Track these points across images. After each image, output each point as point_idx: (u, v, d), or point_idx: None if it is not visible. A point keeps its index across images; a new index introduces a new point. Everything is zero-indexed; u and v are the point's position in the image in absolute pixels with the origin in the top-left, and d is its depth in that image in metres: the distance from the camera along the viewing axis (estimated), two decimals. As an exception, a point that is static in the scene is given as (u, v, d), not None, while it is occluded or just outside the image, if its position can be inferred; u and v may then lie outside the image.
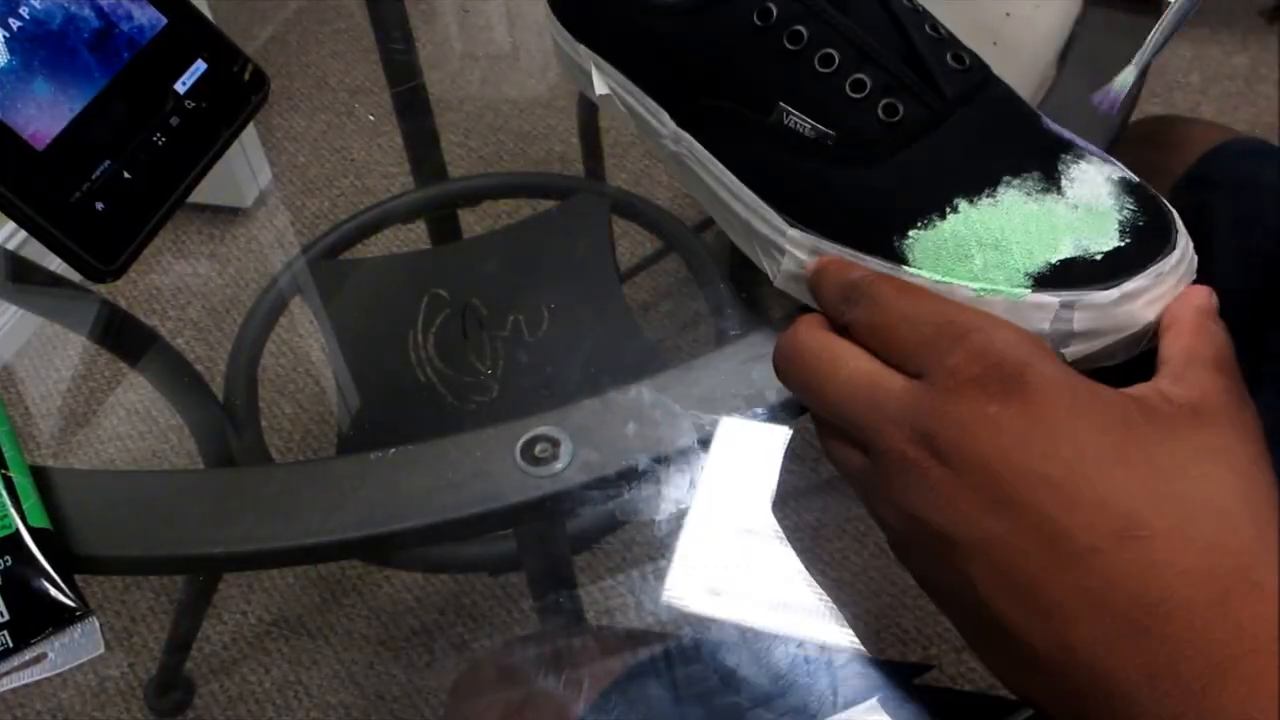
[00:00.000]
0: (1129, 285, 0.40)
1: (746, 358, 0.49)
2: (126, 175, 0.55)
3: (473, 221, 1.15)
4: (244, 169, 1.41)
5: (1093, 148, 0.45)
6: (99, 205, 0.53)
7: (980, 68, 0.46)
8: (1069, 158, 0.43)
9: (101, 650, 0.42)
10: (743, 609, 0.54)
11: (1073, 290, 0.40)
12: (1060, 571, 0.32)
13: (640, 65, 0.53)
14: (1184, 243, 0.41)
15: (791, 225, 0.46)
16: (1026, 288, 0.40)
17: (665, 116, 0.52)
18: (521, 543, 0.80)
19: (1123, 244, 0.40)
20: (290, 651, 1.24)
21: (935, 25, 0.46)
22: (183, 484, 0.48)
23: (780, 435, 0.53)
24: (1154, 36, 0.47)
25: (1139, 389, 0.35)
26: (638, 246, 1.35)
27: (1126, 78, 0.50)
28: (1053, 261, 0.40)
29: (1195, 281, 0.41)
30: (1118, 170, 0.43)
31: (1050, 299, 0.40)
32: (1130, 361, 0.41)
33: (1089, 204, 0.42)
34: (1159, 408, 0.34)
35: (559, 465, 0.46)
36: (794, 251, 0.46)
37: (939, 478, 0.34)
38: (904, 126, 0.44)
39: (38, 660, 0.42)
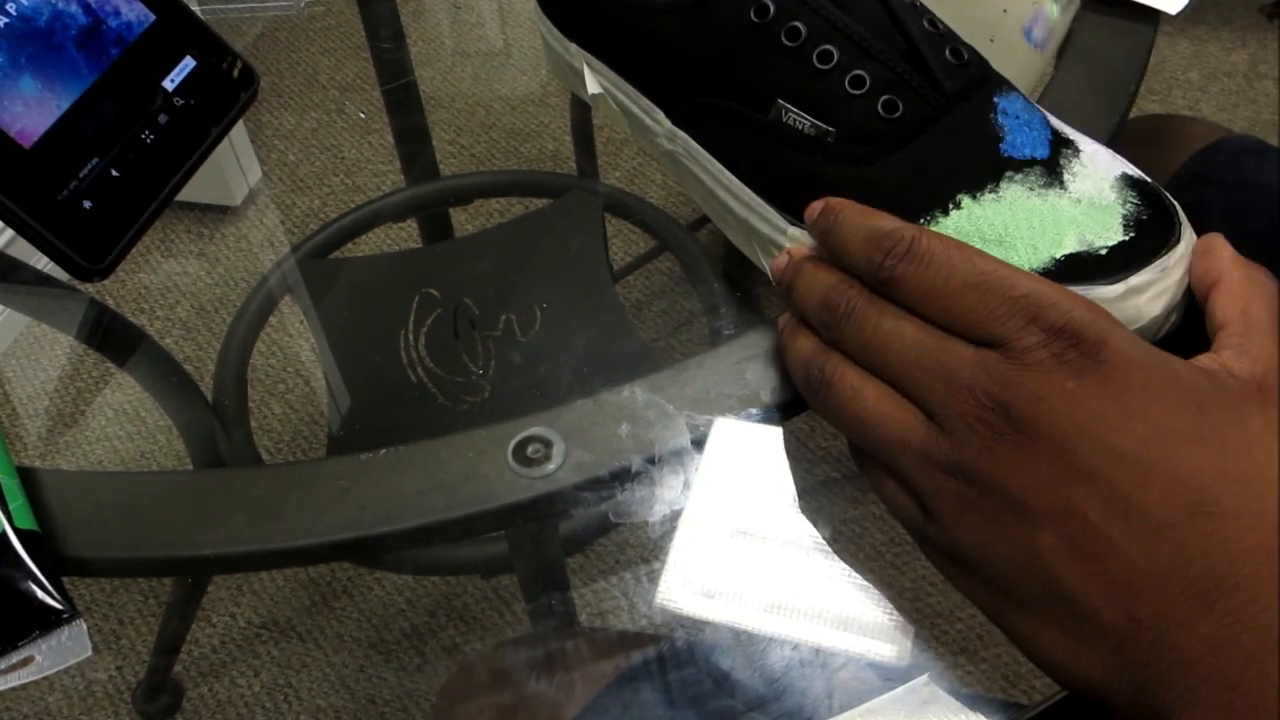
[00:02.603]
0: (1135, 279, 0.40)
1: (741, 357, 0.49)
2: (114, 173, 0.54)
3: (464, 220, 1.15)
4: (233, 167, 1.41)
5: (1095, 143, 0.45)
6: (87, 203, 0.53)
7: (979, 62, 0.45)
8: (1070, 152, 0.43)
9: (89, 653, 0.42)
10: (737, 611, 0.54)
11: (1078, 285, 0.40)
12: (1132, 544, 0.32)
13: (633, 63, 0.53)
14: (1188, 236, 0.41)
15: (791, 223, 0.46)
16: None
17: (660, 115, 0.52)
18: (513, 544, 0.80)
19: (1127, 238, 0.40)
20: (280, 654, 1.24)
21: (933, 20, 0.46)
22: (171, 485, 0.48)
23: (775, 436, 0.53)
24: None
25: (1205, 362, 0.36)
26: (631, 245, 1.35)
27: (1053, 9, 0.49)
28: (1057, 256, 0.40)
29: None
30: (1121, 165, 0.43)
31: None
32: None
33: (1092, 198, 0.42)
34: (1226, 383, 0.35)
35: (551, 466, 0.45)
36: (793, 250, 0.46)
37: (1016, 445, 0.34)
38: (904, 122, 0.44)
39: (25, 663, 0.41)
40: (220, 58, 0.61)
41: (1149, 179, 0.43)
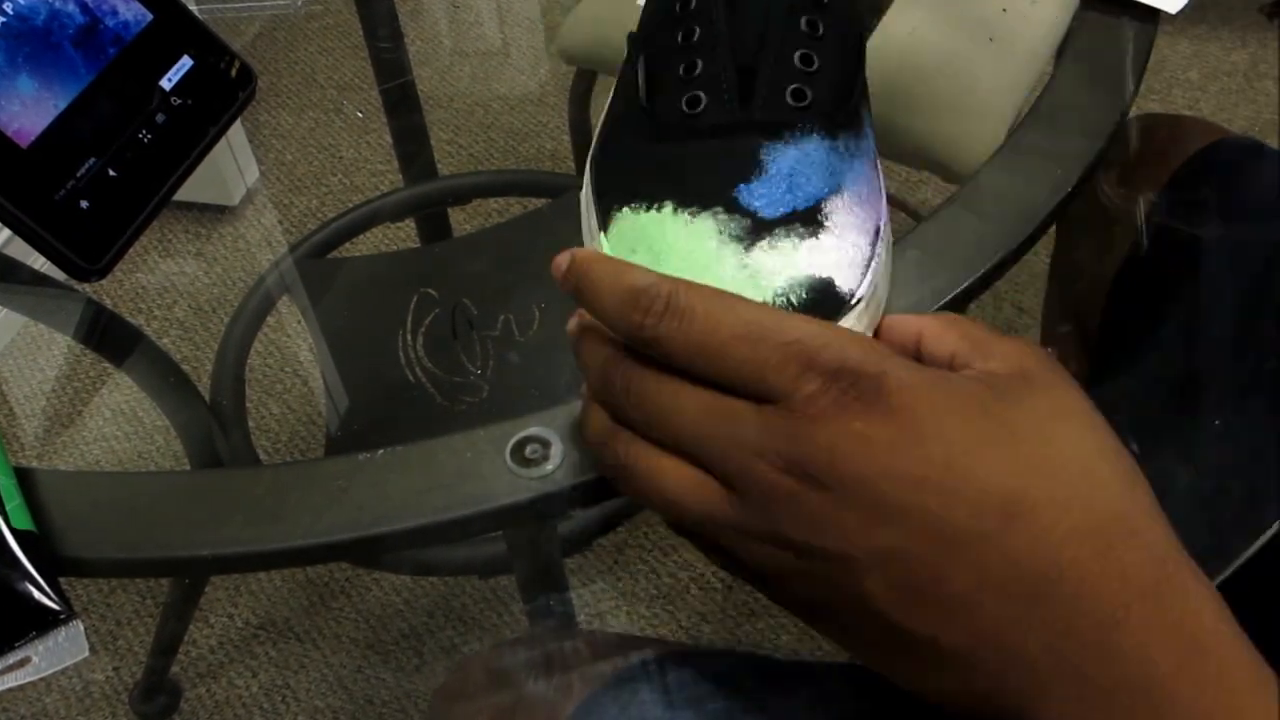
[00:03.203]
0: None
1: (740, 358, 0.49)
2: (112, 173, 0.54)
3: (463, 220, 1.15)
4: (231, 167, 1.41)
5: (855, 247, 0.43)
6: (84, 203, 0.53)
7: (823, 117, 0.44)
8: (801, 230, 0.42)
9: (86, 654, 0.42)
10: (735, 611, 0.54)
11: None
12: (956, 565, 0.32)
13: None
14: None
15: (591, 164, 0.48)
16: None
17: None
18: (512, 545, 0.80)
19: None
20: (278, 655, 1.24)
21: (816, 55, 0.44)
22: (169, 485, 0.48)
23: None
24: None
25: (974, 371, 0.36)
26: (628, 246, 1.34)
27: None
28: None
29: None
30: (833, 272, 0.41)
31: None
32: None
33: (756, 273, 0.41)
34: (996, 383, 0.35)
35: (550, 466, 0.45)
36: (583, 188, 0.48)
37: (819, 502, 0.33)
38: (697, 121, 0.44)
39: (21, 664, 0.41)
40: (218, 57, 0.61)
41: (853, 300, 0.41)
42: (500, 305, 0.84)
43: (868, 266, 0.42)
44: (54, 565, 0.43)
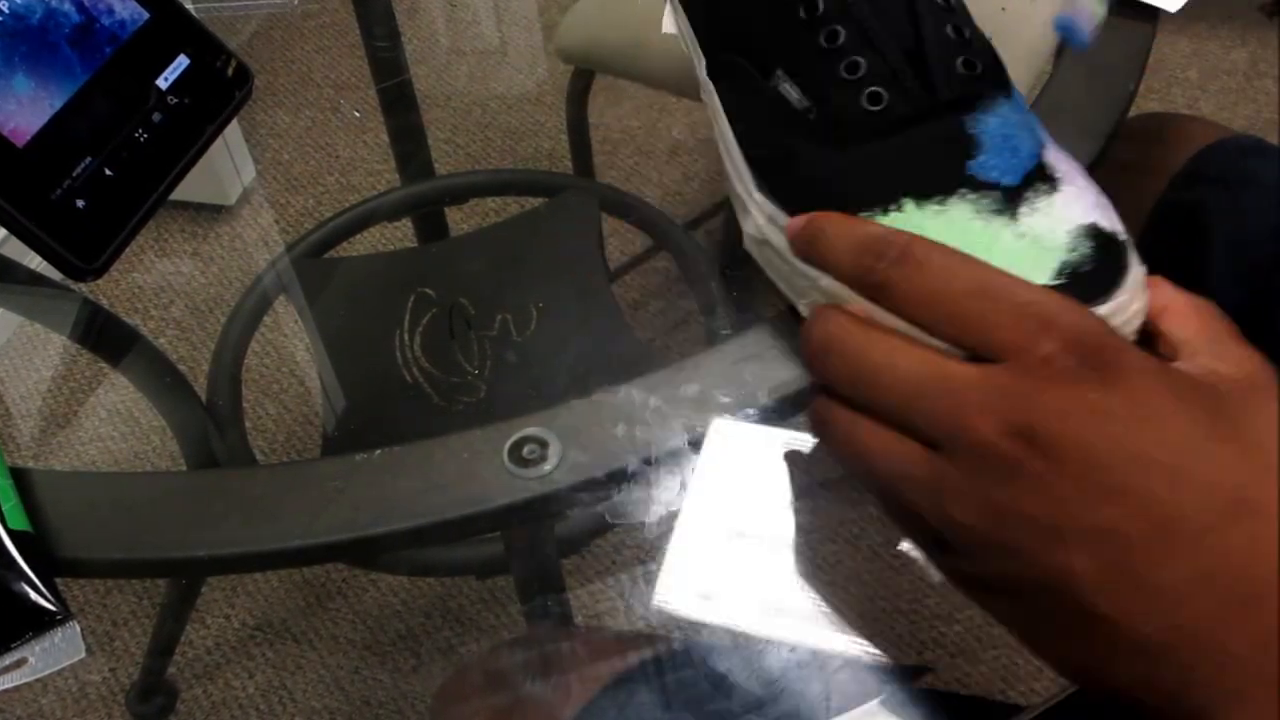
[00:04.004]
0: None
1: (738, 358, 0.49)
2: (108, 172, 0.54)
3: (460, 219, 1.15)
4: (227, 166, 1.41)
5: (1089, 188, 0.44)
6: (80, 203, 0.53)
7: (993, 78, 0.45)
8: (1045, 188, 0.42)
9: (83, 655, 0.41)
10: (734, 613, 0.54)
11: None
12: (1173, 553, 0.32)
13: (695, 12, 0.53)
14: (1125, 303, 0.40)
15: (759, 189, 0.46)
16: None
17: (701, 65, 0.52)
18: (509, 546, 0.80)
19: (1055, 283, 0.39)
20: (275, 656, 1.23)
21: (960, 26, 0.45)
22: (165, 486, 0.48)
23: (772, 436, 0.52)
24: None
25: (1190, 369, 0.36)
26: (627, 245, 1.34)
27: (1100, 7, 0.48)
28: None
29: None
30: (1097, 215, 0.42)
31: None
32: None
33: (1039, 237, 0.41)
34: (1221, 386, 0.34)
35: (547, 467, 0.45)
36: (757, 217, 0.46)
37: (1040, 471, 0.33)
38: (884, 117, 0.43)
39: (18, 665, 0.41)
40: (214, 56, 0.60)
41: (1123, 238, 0.42)
42: (498, 305, 0.84)
43: (1107, 204, 0.43)
44: (50, 566, 0.43)
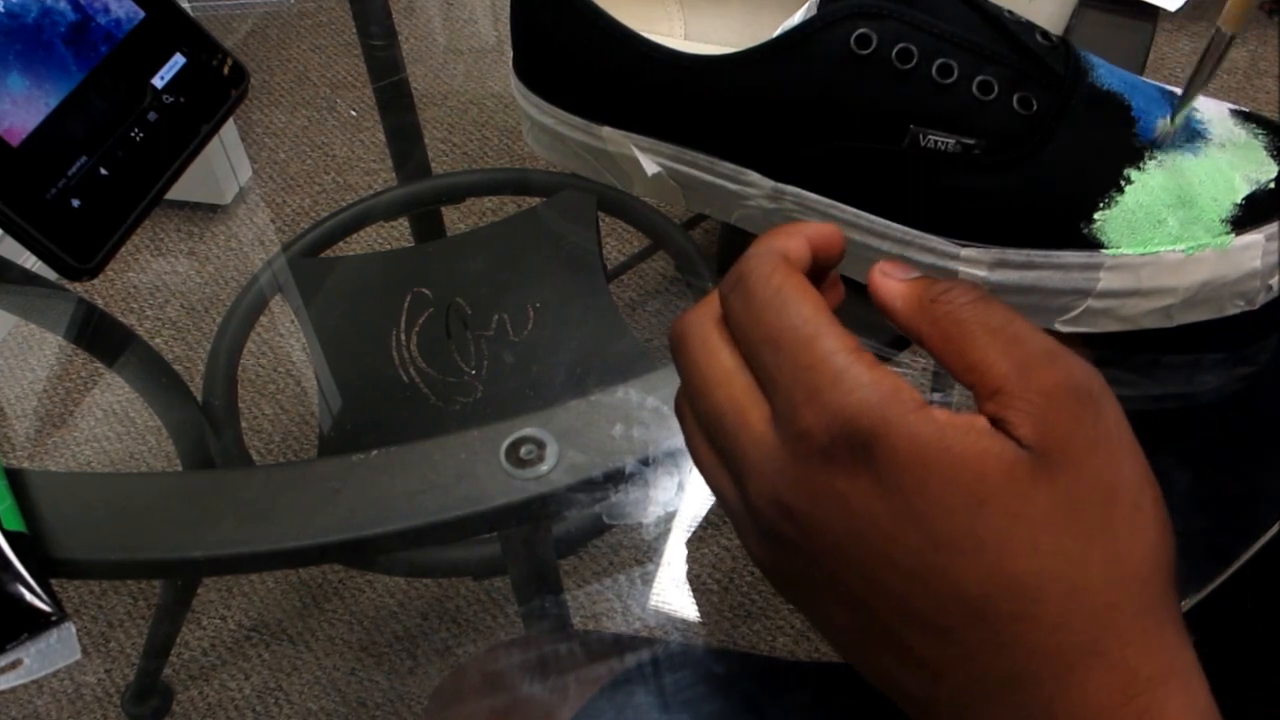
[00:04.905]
0: None
1: (737, 358, 0.48)
2: (103, 171, 0.54)
3: (456, 219, 1.14)
4: (223, 165, 1.41)
5: (1177, 89, 0.46)
6: (75, 202, 0.53)
7: (1062, 40, 0.46)
8: (1182, 104, 0.44)
9: (78, 656, 0.41)
10: (731, 614, 0.53)
11: (1269, 221, 0.41)
12: (916, 640, 0.32)
13: (705, 130, 0.50)
14: None
15: (963, 246, 0.45)
16: (1228, 234, 0.41)
17: (754, 175, 0.49)
18: (506, 546, 0.80)
19: None
20: (270, 657, 1.23)
21: (1011, 11, 0.45)
22: (161, 486, 0.48)
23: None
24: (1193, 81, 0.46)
25: (989, 436, 0.32)
26: (625, 244, 1.34)
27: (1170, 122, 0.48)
28: (1238, 201, 0.42)
29: None
30: (1220, 104, 0.45)
31: (1255, 236, 0.41)
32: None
33: (1233, 140, 0.43)
34: (1011, 462, 0.31)
35: (544, 467, 0.45)
36: (971, 271, 0.46)
37: (797, 540, 0.33)
38: (1042, 115, 0.43)
39: (13, 666, 0.41)
40: (210, 55, 0.60)
41: (1246, 109, 0.44)
42: (495, 305, 0.84)
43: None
44: (45, 567, 0.43)
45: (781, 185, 0.49)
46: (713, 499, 0.37)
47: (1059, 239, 0.43)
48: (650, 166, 0.52)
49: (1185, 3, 0.59)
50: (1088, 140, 0.43)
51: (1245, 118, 0.44)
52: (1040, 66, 0.44)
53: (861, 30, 0.43)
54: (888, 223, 0.47)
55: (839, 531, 0.32)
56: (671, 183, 0.52)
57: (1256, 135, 0.43)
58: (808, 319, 0.33)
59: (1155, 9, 0.60)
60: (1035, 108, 0.43)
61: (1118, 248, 0.42)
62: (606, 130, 0.52)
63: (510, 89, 0.56)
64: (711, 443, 0.36)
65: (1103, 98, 0.44)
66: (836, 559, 0.32)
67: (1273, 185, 0.42)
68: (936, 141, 0.44)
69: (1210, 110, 0.45)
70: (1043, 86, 0.43)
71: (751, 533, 0.35)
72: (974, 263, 0.45)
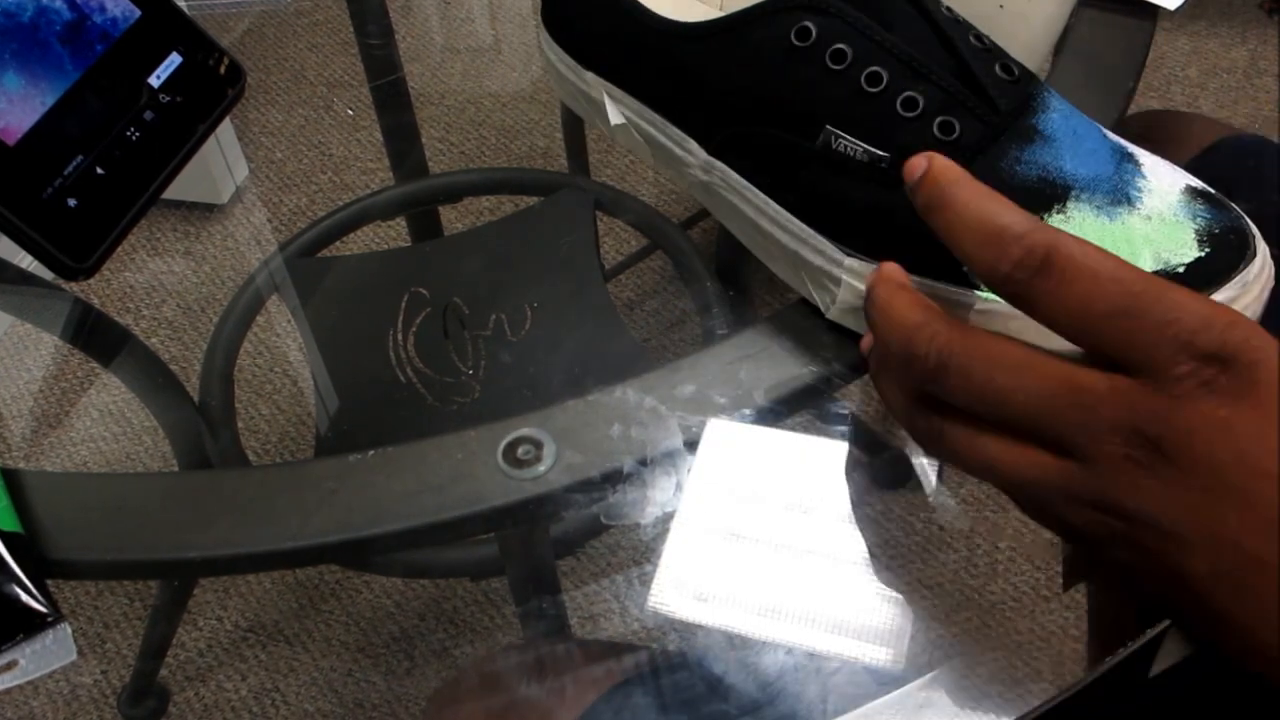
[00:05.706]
0: (1217, 296, 0.39)
1: (734, 357, 0.48)
2: (100, 171, 0.54)
3: (454, 218, 1.14)
4: (220, 165, 1.41)
5: (1151, 155, 0.44)
6: (71, 201, 0.52)
7: (1029, 77, 0.44)
8: (1132, 166, 0.42)
9: (73, 657, 0.41)
10: (730, 615, 0.53)
11: None
12: None
13: (661, 92, 0.51)
14: (1263, 249, 0.40)
15: (848, 254, 0.45)
16: None
17: (693, 145, 0.50)
18: (504, 547, 0.80)
19: (1203, 254, 0.40)
20: (267, 658, 1.23)
21: (979, 35, 0.44)
22: (157, 487, 0.47)
23: (769, 437, 0.52)
24: None
25: None
26: (623, 244, 1.34)
27: None
28: None
29: None
30: (1182, 177, 0.42)
31: None
32: None
33: (1161, 214, 0.41)
34: None
35: (542, 468, 0.45)
36: (852, 282, 0.45)
37: (1166, 477, 0.34)
38: (961, 144, 0.42)
39: (8, 667, 0.41)
40: (206, 54, 0.60)
41: (1212, 190, 0.42)
42: (492, 304, 0.84)
43: (1159, 157, 0.44)
44: (41, 567, 0.42)
45: (712, 159, 0.50)
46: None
47: (940, 271, 0.42)
48: (615, 117, 0.54)
49: (1185, 2, 0.59)
50: (1001, 181, 0.42)
51: (1198, 196, 0.42)
52: (979, 96, 0.43)
53: (804, 23, 0.44)
54: (789, 216, 0.47)
55: (1219, 456, 0.33)
56: (638, 137, 0.54)
57: (1196, 217, 0.41)
58: (1144, 280, 0.35)
59: (1155, 8, 0.60)
60: (957, 135, 0.42)
61: (989, 293, 0.41)
62: (590, 75, 0.55)
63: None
64: (1017, 433, 0.37)
65: (1040, 143, 0.43)
66: (1212, 487, 0.33)
67: (1182, 270, 0.40)
68: (847, 146, 0.44)
69: (1162, 180, 0.42)
70: (974, 116, 0.42)
71: (1084, 501, 0.35)
72: (855, 274, 0.45)
